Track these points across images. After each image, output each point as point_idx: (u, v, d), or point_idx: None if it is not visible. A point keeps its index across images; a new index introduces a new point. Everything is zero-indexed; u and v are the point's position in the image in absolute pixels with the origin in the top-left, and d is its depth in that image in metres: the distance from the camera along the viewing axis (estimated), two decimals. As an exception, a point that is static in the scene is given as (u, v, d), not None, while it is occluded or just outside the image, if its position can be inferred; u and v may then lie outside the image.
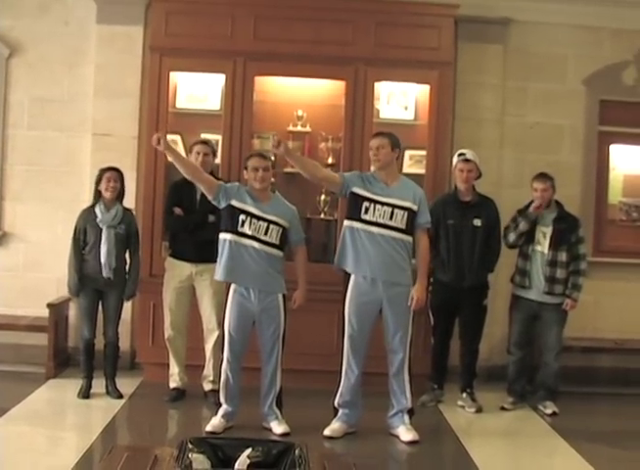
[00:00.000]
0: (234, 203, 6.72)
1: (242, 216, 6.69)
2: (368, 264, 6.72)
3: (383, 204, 6.73)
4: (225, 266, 6.73)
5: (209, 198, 6.82)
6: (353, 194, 6.77)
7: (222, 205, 6.76)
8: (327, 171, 7.13)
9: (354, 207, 6.77)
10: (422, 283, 6.91)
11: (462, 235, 7.70)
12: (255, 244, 6.69)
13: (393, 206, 6.74)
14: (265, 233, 6.71)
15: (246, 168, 6.88)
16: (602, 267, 8.91)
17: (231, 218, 6.71)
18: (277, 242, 6.76)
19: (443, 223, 7.59)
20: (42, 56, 8.75)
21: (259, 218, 6.71)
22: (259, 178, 6.77)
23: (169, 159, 6.77)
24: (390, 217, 6.73)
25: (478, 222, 7.72)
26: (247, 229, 6.69)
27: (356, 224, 6.74)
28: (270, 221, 6.73)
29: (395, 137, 6.92)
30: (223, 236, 6.76)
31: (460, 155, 7.79)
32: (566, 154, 8.96)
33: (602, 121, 9.02)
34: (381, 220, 6.71)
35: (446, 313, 7.74)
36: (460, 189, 7.80)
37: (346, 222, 6.82)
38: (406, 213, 6.77)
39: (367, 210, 6.72)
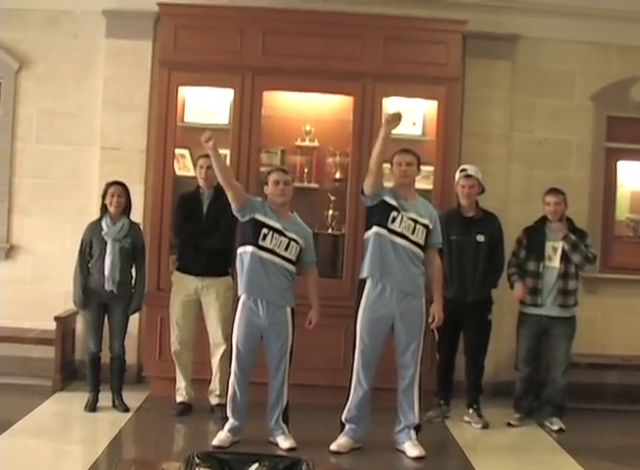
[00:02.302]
0: (258, 216, 6.73)
1: (264, 230, 6.71)
2: (388, 272, 6.76)
3: (408, 217, 6.78)
4: (247, 279, 6.74)
5: (234, 208, 6.77)
6: (384, 202, 6.80)
7: (246, 217, 6.76)
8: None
9: (383, 214, 6.80)
10: (439, 302, 7.00)
11: (465, 251, 7.71)
12: (276, 259, 6.72)
13: (416, 221, 6.80)
14: (285, 249, 6.74)
15: (266, 183, 6.88)
16: (609, 284, 8.92)
17: (253, 231, 6.72)
18: (294, 259, 6.81)
19: (446, 239, 7.56)
20: (51, 69, 8.79)
21: (281, 234, 6.74)
22: (280, 191, 6.79)
23: (211, 157, 6.73)
24: (413, 232, 6.79)
25: (481, 238, 7.74)
26: (268, 243, 6.70)
27: (383, 231, 6.78)
28: (290, 238, 6.76)
29: (419, 156, 7.02)
30: (243, 249, 6.77)
31: (462, 171, 7.82)
32: (573, 170, 8.96)
33: (609, 138, 9.02)
34: (405, 232, 6.77)
35: (451, 329, 7.72)
36: (463, 205, 7.82)
37: (374, 229, 6.83)
38: (425, 230, 6.84)
39: (394, 219, 6.77)
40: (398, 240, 6.77)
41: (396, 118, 6.63)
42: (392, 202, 6.80)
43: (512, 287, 7.90)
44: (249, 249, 6.72)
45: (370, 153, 8.03)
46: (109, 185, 7.69)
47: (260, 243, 6.70)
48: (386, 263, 6.77)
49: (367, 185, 6.82)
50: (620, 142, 9.03)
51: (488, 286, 7.81)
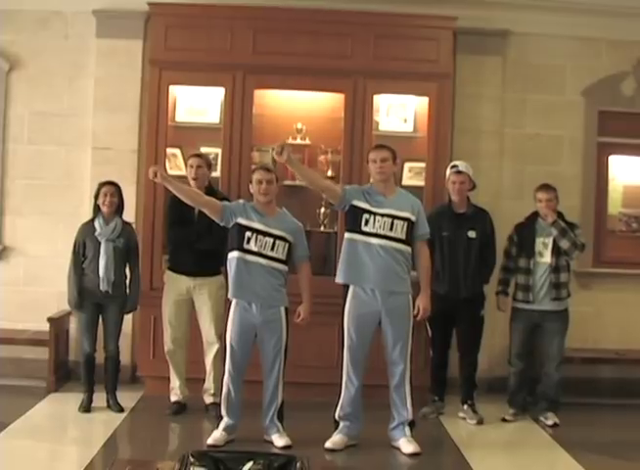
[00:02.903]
0: (240, 220, 6.74)
1: (247, 233, 6.71)
2: (368, 275, 6.74)
3: (382, 215, 6.76)
4: (233, 284, 6.77)
5: (217, 221, 6.82)
6: (353, 207, 6.79)
7: (230, 224, 6.78)
8: (328, 182, 7.17)
9: (354, 219, 6.79)
10: (426, 293, 6.96)
11: (456, 247, 7.72)
12: (262, 260, 6.72)
13: (393, 216, 6.77)
14: (272, 249, 6.74)
15: (251, 182, 6.90)
16: (602, 278, 8.93)
17: (237, 236, 6.73)
18: (283, 257, 6.79)
19: (438, 235, 7.57)
20: (42, 70, 8.77)
21: (265, 234, 6.73)
22: (263, 190, 6.79)
23: (169, 187, 6.78)
24: (391, 228, 6.76)
25: (472, 234, 7.74)
26: (252, 246, 6.70)
27: (356, 236, 6.77)
28: (276, 236, 6.75)
29: (394, 151, 6.97)
30: (231, 255, 6.79)
31: (453, 167, 7.82)
32: (565, 165, 8.97)
33: (601, 132, 9.03)
34: (381, 231, 6.74)
35: (443, 325, 7.73)
36: (454, 201, 7.82)
37: (347, 235, 6.84)
38: (406, 224, 6.79)
39: (367, 221, 6.75)
40: (374, 240, 6.73)
41: (281, 150, 6.52)
42: (362, 204, 6.77)
43: (497, 294, 7.97)
44: (234, 254, 6.75)
45: (361, 151, 8.11)
46: (101, 185, 7.68)
47: (245, 247, 6.70)
48: (361, 267, 6.75)
49: (328, 200, 6.93)
50: (612, 137, 9.03)
51: (480, 282, 7.82)
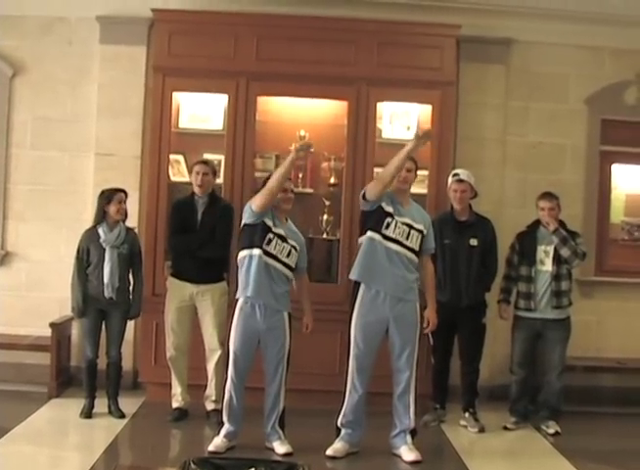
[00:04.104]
0: (267, 221, 6.75)
1: (270, 235, 6.72)
2: (381, 277, 6.77)
3: (403, 223, 6.80)
4: (253, 283, 6.73)
5: (257, 211, 6.69)
6: (380, 208, 6.81)
7: (258, 221, 6.74)
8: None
9: (377, 220, 6.81)
10: (433, 306, 7.02)
11: (458, 255, 7.72)
12: (277, 264, 6.75)
13: (410, 226, 6.83)
14: (287, 256, 6.77)
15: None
16: (604, 287, 8.94)
17: (261, 234, 6.71)
18: (293, 266, 6.85)
19: (440, 243, 7.55)
20: (45, 76, 8.79)
21: (284, 240, 6.77)
22: (288, 199, 6.84)
23: (287, 164, 6.76)
24: (407, 237, 6.81)
25: (474, 242, 7.76)
26: (272, 249, 6.72)
27: (377, 236, 6.79)
28: (292, 246, 6.81)
29: (416, 162, 7.05)
30: (248, 252, 6.75)
31: (454, 175, 7.85)
32: (568, 173, 8.97)
33: (603, 141, 9.04)
34: (399, 238, 6.79)
35: (445, 333, 7.73)
36: (456, 209, 7.84)
37: (368, 234, 6.84)
38: (420, 236, 6.87)
39: (388, 225, 6.78)
40: (392, 246, 6.78)
41: (428, 136, 6.74)
42: (389, 208, 6.81)
43: (499, 302, 7.98)
44: (256, 252, 6.71)
45: (364, 158, 8.10)
46: (112, 193, 7.64)
47: (265, 247, 6.71)
48: (377, 268, 6.78)
49: (373, 192, 6.80)
50: (615, 145, 9.04)
51: (482, 289, 7.83)
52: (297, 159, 6.77)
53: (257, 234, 6.73)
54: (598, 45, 8.91)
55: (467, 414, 7.82)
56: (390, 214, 6.80)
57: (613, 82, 9.00)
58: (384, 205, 6.82)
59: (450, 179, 7.85)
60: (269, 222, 6.75)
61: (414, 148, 6.71)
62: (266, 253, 6.71)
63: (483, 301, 7.86)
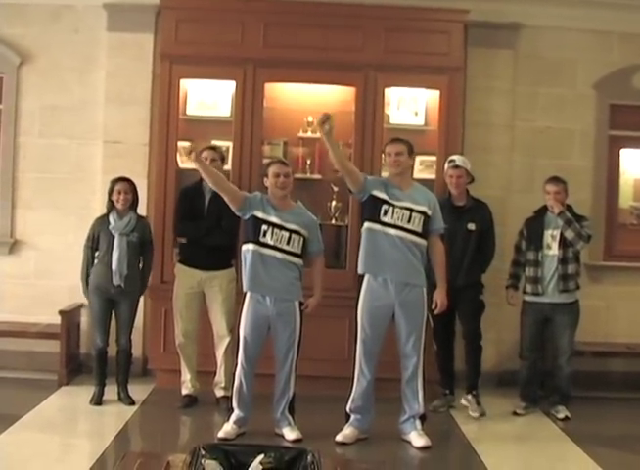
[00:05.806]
0: (257, 213, 6.74)
1: (264, 227, 6.71)
2: (384, 265, 6.76)
3: (401, 208, 6.77)
4: (248, 277, 6.77)
5: (234, 209, 6.82)
6: (372, 197, 6.80)
7: (246, 216, 6.79)
8: (354, 167, 7.07)
9: (373, 209, 6.80)
10: (443, 287, 7.01)
11: (456, 239, 7.70)
12: (278, 254, 6.73)
13: (411, 209, 6.79)
14: (287, 243, 6.75)
15: (266, 175, 6.89)
16: (613, 272, 8.92)
17: (254, 229, 6.74)
18: (298, 251, 6.80)
19: None
20: (53, 64, 8.78)
21: (281, 228, 6.74)
22: (280, 184, 6.79)
23: (198, 168, 6.75)
24: (409, 220, 6.78)
25: (471, 226, 7.79)
26: (268, 239, 6.71)
27: (375, 226, 6.78)
28: (292, 231, 6.76)
29: (411, 144, 6.99)
30: (245, 247, 6.79)
31: (450, 161, 7.88)
32: (576, 158, 8.94)
33: (612, 126, 9.01)
34: (399, 223, 6.76)
35: (444, 315, 7.70)
36: (453, 194, 7.87)
37: (366, 225, 6.85)
38: (422, 217, 6.82)
39: (386, 212, 6.76)
40: (393, 231, 6.75)
41: (323, 120, 6.52)
42: (381, 195, 6.78)
43: (507, 287, 8.01)
44: (250, 246, 6.75)
45: (372, 144, 8.10)
46: (114, 182, 7.67)
47: (261, 240, 6.71)
48: (380, 257, 6.76)
49: (348, 183, 6.84)
50: (623, 130, 9.02)
51: (478, 271, 7.86)
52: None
53: (251, 228, 6.76)
54: (606, 30, 8.86)
55: (469, 396, 7.80)
56: (386, 201, 6.77)
57: (621, 67, 8.96)
58: (376, 192, 6.79)
59: (446, 165, 7.89)
60: (260, 214, 6.73)
61: (324, 137, 6.62)
62: (263, 244, 6.72)
63: (479, 280, 7.88)
